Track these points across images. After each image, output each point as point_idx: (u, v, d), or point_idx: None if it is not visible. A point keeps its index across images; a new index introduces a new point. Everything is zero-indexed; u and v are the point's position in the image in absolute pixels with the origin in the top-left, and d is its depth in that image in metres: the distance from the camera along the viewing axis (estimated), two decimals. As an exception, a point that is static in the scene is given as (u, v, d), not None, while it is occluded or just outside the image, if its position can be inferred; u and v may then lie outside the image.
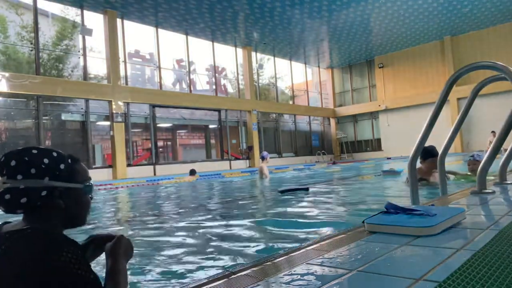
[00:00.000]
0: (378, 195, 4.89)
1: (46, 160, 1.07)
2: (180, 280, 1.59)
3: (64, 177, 1.10)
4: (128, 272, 1.64)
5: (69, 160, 1.14)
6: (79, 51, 14.10)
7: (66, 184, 1.10)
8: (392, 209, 1.73)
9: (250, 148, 18.73)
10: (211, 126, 19.36)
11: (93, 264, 1.09)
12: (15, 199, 1.02)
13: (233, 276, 1.11)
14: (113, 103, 13.45)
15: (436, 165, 4.24)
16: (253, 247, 2.30)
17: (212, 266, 1.79)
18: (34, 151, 1.07)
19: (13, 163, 1.03)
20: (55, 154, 1.10)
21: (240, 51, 19.41)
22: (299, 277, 1.06)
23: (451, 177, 4.54)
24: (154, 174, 14.50)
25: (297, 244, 1.53)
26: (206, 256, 2.02)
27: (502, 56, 17.71)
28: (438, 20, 17.90)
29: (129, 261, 1.57)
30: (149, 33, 15.91)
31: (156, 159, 15.38)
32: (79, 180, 1.15)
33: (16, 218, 1.07)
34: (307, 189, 5.25)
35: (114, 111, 13.44)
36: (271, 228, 2.94)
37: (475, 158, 4.62)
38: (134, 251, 1.22)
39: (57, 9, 13.87)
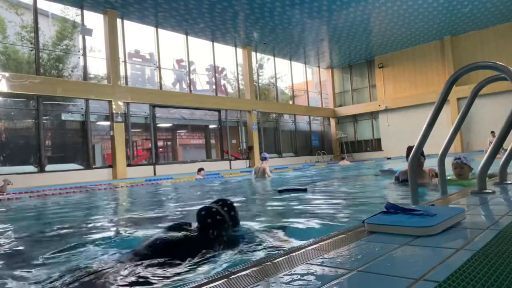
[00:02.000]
0: (377, 195, 4.88)
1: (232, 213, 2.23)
2: (179, 280, 1.59)
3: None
4: (126, 272, 1.64)
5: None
6: (79, 51, 14.10)
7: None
8: (392, 209, 1.73)
9: (250, 148, 18.74)
10: (211, 126, 19.36)
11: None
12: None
13: (233, 276, 1.11)
14: (113, 103, 13.45)
15: (420, 163, 4.22)
16: (253, 247, 2.30)
17: (212, 266, 1.79)
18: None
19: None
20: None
21: (240, 51, 19.42)
22: (299, 277, 1.06)
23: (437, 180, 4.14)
24: (154, 174, 14.51)
25: (297, 244, 1.53)
26: (206, 256, 2.02)
27: (502, 56, 17.73)
28: (438, 20, 17.90)
29: (129, 261, 1.60)
30: (149, 33, 15.92)
31: (156, 159, 15.39)
32: None
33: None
34: (305, 189, 5.25)
35: (114, 111, 13.44)
36: (270, 228, 2.94)
37: (462, 161, 4.10)
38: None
39: (57, 9, 13.88)
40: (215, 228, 2.01)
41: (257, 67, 20.56)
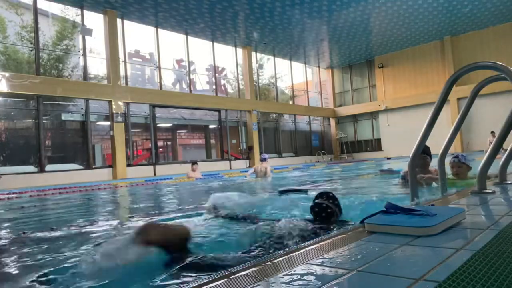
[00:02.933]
0: (377, 195, 4.88)
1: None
2: (179, 280, 1.59)
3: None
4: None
5: None
6: (79, 51, 14.10)
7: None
8: (392, 209, 1.73)
9: (250, 148, 18.73)
10: (211, 126, 19.36)
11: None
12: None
13: (233, 276, 1.11)
14: (113, 103, 13.45)
15: (426, 162, 4.20)
16: (253, 247, 2.30)
17: (212, 266, 1.79)
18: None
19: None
20: None
21: (240, 51, 19.41)
22: (299, 277, 1.06)
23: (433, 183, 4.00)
24: (154, 174, 14.50)
25: (297, 244, 1.53)
26: (206, 256, 2.02)
27: (502, 56, 17.73)
28: (438, 20, 17.90)
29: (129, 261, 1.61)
30: (149, 33, 15.92)
31: (156, 159, 15.39)
32: None
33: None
34: (306, 191, 5.26)
35: (114, 111, 13.44)
36: (271, 228, 2.93)
37: (460, 159, 3.96)
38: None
39: (57, 9, 13.88)
40: (328, 219, 2.41)
41: (257, 67, 20.55)
